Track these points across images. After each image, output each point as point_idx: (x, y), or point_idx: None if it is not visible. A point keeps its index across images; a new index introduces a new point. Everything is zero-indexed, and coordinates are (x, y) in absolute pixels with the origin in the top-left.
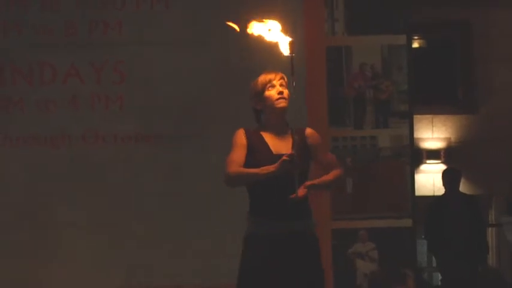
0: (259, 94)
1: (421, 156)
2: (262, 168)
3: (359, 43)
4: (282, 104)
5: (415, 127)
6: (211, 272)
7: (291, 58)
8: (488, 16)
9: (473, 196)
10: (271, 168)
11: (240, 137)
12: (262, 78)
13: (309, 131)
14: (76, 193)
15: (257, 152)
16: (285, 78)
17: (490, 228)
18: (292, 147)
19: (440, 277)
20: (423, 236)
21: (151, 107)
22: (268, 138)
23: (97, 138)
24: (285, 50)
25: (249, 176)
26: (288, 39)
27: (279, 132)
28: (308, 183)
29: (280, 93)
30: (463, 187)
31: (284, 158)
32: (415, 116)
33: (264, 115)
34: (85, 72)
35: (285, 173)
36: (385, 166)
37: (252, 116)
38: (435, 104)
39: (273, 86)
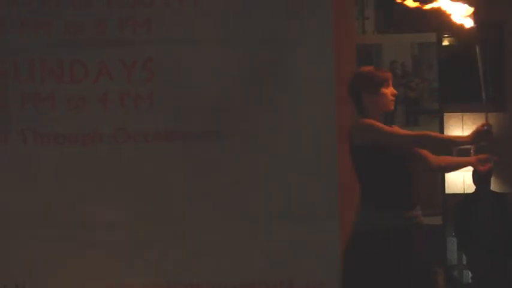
0: (375, 87)
1: (451, 154)
2: (454, 136)
3: (389, 41)
4: (392, 107)
5: (445, 125)
6: (242, 269)
7: (475, 28)
8: None
9: (503, 194)
10: (465, 137)
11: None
12: (381, 74)
13: None
14: (106, 192)
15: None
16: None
17: None
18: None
19: (470, 275)
20: (453, 234)
21: (181, 105)
22: None
23: (128, 136)
24: (465, 21)
25: (442, 139)
26: (467, 8)
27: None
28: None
29: (394, 95)
30: (493, 185)
31: (480, 128)
32: (445, 114)
33: (369, 108)
34: (115, 69)
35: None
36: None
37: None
38: (465, 102)
39: (389, 86)
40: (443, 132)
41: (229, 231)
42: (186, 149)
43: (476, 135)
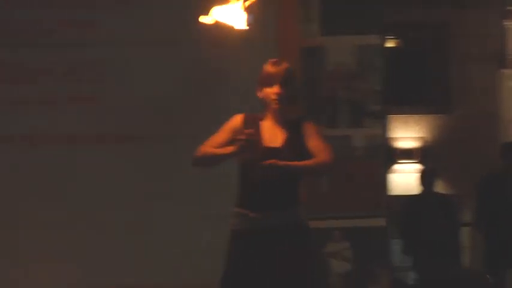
0: (259, 85)
1: (394, 155)
2: (225, 148)
3: (333, 43)
4: (276, 106)
5: (390, 127)
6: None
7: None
8: (464, 16)
9: (448, 195)
10: (229, 148)
11: (235, 122)
12: (265, 71)
13: (307, 123)
14: (48, 194)
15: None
16: (290, 73)
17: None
18: (254, 130)
19: (414, 276)
20: (398, 236)
21: (127, 107)
22: (266, 129)
23: (74, 138)
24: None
25: (211, 155)
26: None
27: (278, 125)
28: (274, 161)
29: (277, 94)
30: (438, 186)
31: (239, 137)
32: (390, 116)
33: (266, 105)
34: (60, 71)
35: (248, 155)
36: (359, 165)
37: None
38: (409, 104)
39: (273, 83)
40: (387, 134)
41: (191, 231)
42: (131, 152)
43: (239, 145)
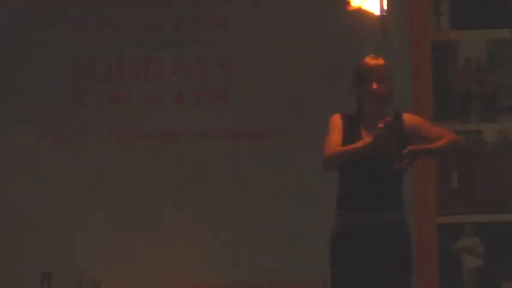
0: (356, 82)
1: None
2: (357, 142)
3: (464, 38)
4: (374, 100)
5: None
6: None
7: (381, 17)
8: None
9: None
10: (367, 139)
11: (337, 120)
12: (362, 66)
13: (406, 115)
14: (183, 191)
15: (350, 142)
16: (387, 68)
17: None
18: (389, 118)
19: None
20: None
21: (257, 104)
22: (364, 128)
23: (203, 134)
24: (376, 9)
25: (345, 153)
26: None
27: (376, 120)
28: (411, 147)
29: (376, 88)
30: None
31: (380, 125)
32: None
33: (361, 101)
34: (191, 68)
35: (383, 145)
36: (491, 160)
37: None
38: None
39: (371, 79)
40: None
41: (307, 229)
42: (262, 148)
43: (378, 133)
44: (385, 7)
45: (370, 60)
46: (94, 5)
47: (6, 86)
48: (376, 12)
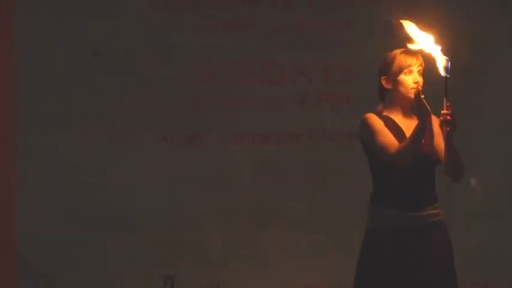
0: (393, 74)
1: None
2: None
3: None
4: (412, 96)
5: None
6: None
7: (445, 79)
8: None
9: None
10: (419, 126)
11: (377, 119)
12: (402, 59)
13: (433, 116)
14: (303, 191)
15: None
16: (423, 65)
17: None
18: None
19: None
20: None
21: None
22: (399, 120)
23: (324, 136)
24: (441, 69)
25: (414, 141)
26: (445, 58)
27: (407, 114)
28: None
29: (417, 82)
30: None
31: (444, 112)
32: None
33: (391, 95)
34: (313, 70)
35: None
36: None
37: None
38: None
39: (411, 72)
40: None
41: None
42: None
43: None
44: (449, 69)
45: (409, 54)
46: (216, 6)
47: (131, 89)
48: (442, 73)
